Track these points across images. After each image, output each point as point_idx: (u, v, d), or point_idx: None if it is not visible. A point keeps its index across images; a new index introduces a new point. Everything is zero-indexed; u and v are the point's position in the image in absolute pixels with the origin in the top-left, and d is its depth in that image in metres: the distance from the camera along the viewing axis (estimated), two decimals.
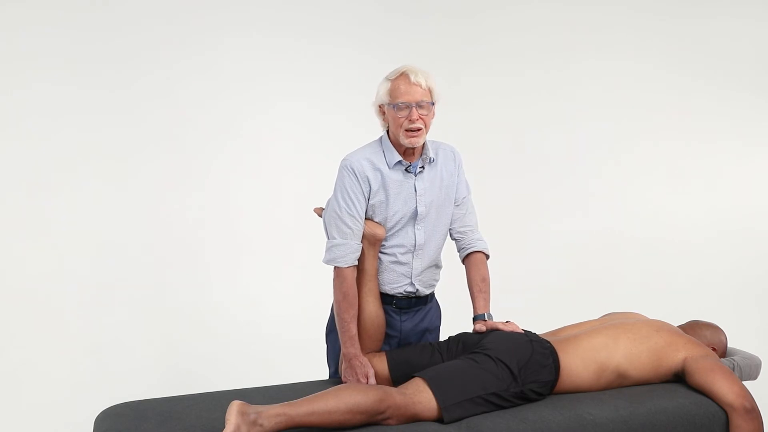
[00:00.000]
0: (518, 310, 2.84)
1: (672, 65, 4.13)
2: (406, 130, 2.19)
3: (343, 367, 2.28)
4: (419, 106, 2.18)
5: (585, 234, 4.21)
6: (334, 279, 2.27)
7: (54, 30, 3.36)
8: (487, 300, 2.35)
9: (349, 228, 2.23)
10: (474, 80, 4.28)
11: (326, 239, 2.30)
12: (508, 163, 4.28)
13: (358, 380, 2.22)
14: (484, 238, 2.43)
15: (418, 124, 2.18)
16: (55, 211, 3.40)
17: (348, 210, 2.22)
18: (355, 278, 2.25)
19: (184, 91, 3.65)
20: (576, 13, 4.21)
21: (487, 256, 2.42)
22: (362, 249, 2.26)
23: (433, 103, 2.23)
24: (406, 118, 2.17)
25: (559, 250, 4.23)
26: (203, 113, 3.70)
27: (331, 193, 2.32)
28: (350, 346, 2.24)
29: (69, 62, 3.40)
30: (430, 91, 2.20)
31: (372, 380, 2.22)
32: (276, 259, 3.86)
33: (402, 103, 2.17)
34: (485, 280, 2.36)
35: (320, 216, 2.40)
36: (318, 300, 2.99)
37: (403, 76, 2.19)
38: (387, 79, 2.23)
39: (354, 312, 2.24)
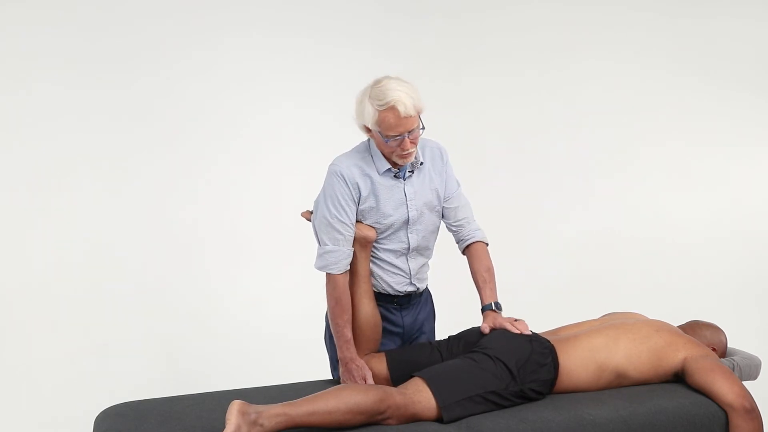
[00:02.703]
0: (518, 310, 2.84)
1: (673, 65, 4.13)
2: (399, 155, 2.16)
3: (340, 371, 2.28)
4: (410, 133, 2.12)
5: (585, 234, 4.21)
6: (326, 285, 2.26)
7: (54, 30, 3.36)
8: (493, 289, 2.33)
9: (341, 234, 2.21)
10: (474, 80, 4.28)
11: (317, 244, 2.29)
12: (508, 164, 4.28)
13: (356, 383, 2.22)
14: (481, 227, 2.43)
15: (410, 149, 2.15)
16: (55, 211, 3.40)
17: (339, 216, 2.20)
18: (347, 283, 2.25)
19: (184, 91, 3.65)
20: (576, 13, 4.21)
21: (486, 244, 2.41)
22: (354, 252, 2.26)
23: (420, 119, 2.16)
24: (398, 146, 2.13)
25: (560, 250, 4.23)
26: (203, 113, 3.70)
27: (320, 194, 2.29)
28: (346, 351, 2.24)
29: (69, 62, 3.40)
30: (418, 113, 2.13)
31: (370, 381, 2.22)
32: (276, 258, 3.86)
33: (393, 136, 2.10)
34: (489, 270, 2.35)
35: (309, 220, 2.38)
36: (318, 300, 2.98)
37: (391, 109, 2.06)
38: (372, 105, 2.09)
39: (348, 317, 2.24)
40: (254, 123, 3.81)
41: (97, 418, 2.10)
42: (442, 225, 2.44)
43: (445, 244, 2.50)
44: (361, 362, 2.24)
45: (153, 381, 3.44)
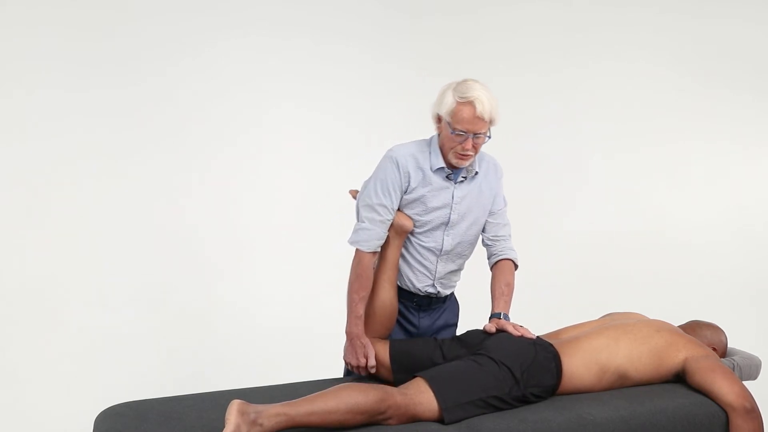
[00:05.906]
0: (519, 309, 2.84)
1: (673, 65, 4.13)
2: (457, 153, 2.19)
3: (345, 345, 2.30)
4: (476, 136, 2.16)
5: (585, 234, 4.21)
6: (352, 260, 2.29)
7: (54, 30, 3.36)
8: (507, 303, 2.35)
9: (380, 216, 2.25)
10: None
11: (356, 221, 2.32)
12: (508, 163, 4.23)
13: (357, 359, 2.24)
14: (515, 248, 2.44)
15: (470, 152, 2.18)
16: (56, 211, 3.40)
17: (382, 201, 2.24)
18: (371, 263, 2.28)
19: (185, 91, 3.65)
20: (576, 13, 4.21)
21: (516, 266, 2.42)
22: (388, 237, 2.29)
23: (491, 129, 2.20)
24: (460, 144, 2.17)
25: (560, 250, 4.23)
26: (204, 113, 3.70)
27: (362, 181, 2.34)
28: (354, 326, 2.26)
29: (68, 63, 3.39)
30: (491, 121, 2.17)
31: (371, 360, 2.24)
32: (276, 258, 3.86)
33: (460, 130, 2.14)
34: (509, 285, 2.37)
35: (354, 198, 2.42)
36: (319, 300, 2.98)
37: (469, 104, 2.12)
38: (454, 96, 2.15)
39: (365, 293, 2.26)
40: (255, 123, 3.80)
41: (97, 418, 2.10)
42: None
43: (476, 258, 2.49)
44: (366, 340, 2.26)
45: (153, 381, 3.44)
